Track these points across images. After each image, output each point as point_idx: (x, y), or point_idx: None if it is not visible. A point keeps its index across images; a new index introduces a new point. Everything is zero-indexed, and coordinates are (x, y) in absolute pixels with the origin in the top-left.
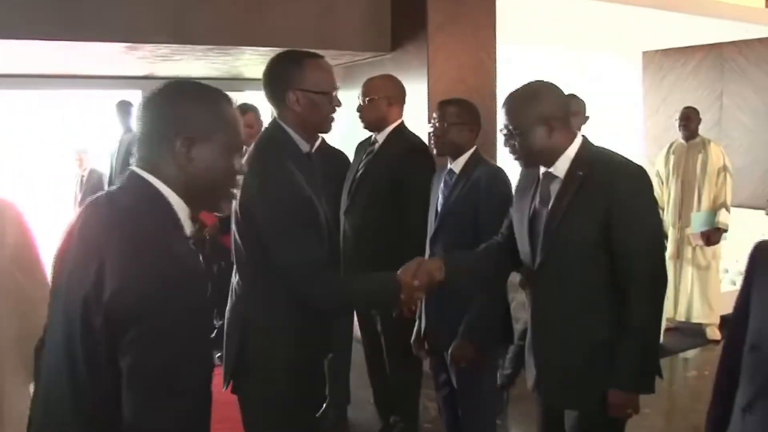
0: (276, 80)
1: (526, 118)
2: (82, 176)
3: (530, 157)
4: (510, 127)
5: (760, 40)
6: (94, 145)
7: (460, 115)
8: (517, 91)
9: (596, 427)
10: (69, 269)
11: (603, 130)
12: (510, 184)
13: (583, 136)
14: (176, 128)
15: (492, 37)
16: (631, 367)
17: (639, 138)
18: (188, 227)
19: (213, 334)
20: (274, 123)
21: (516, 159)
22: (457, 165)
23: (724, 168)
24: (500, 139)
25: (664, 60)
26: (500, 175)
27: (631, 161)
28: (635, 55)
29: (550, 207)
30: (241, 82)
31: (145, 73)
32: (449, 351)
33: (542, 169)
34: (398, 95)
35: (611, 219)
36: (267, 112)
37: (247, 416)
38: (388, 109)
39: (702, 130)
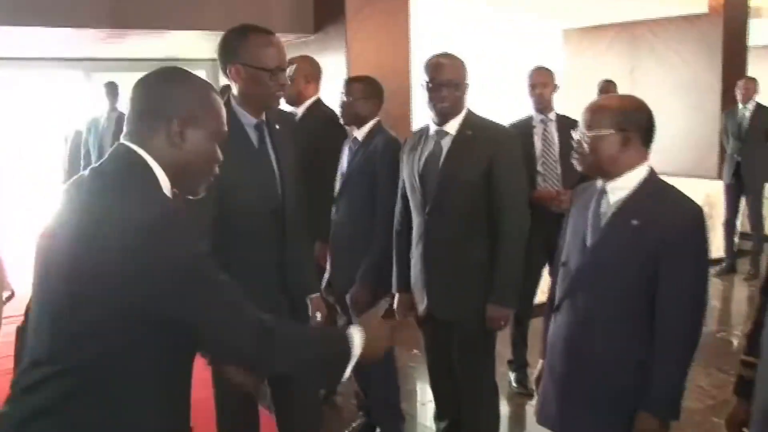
0: (222, 53)
1: (462, 74)
2: None
3: (452, 106)
4: (450, 78)
5: (667, 18)
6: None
7: (364, 91)
8: (452, 54)
9: (476, 336)
10: (55, 243)
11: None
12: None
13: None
14: (173, 109)
15: (406, 19)
16: (503, 283)
17: (561, 110)
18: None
19: None
20: (228, 95)
21: (448, 108)
22: (360, 133)
23: None
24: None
25: (582, 37)
26: (394, 143)
27: (505, 126)
28: (556, 32)
29: (443, 158)
30: (178, 62)
31: (86, 55)
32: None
33: (433, 128)
34: (314, 73)
35: (492, 166)
36: None
37: None
38: (306, 87)
39: None
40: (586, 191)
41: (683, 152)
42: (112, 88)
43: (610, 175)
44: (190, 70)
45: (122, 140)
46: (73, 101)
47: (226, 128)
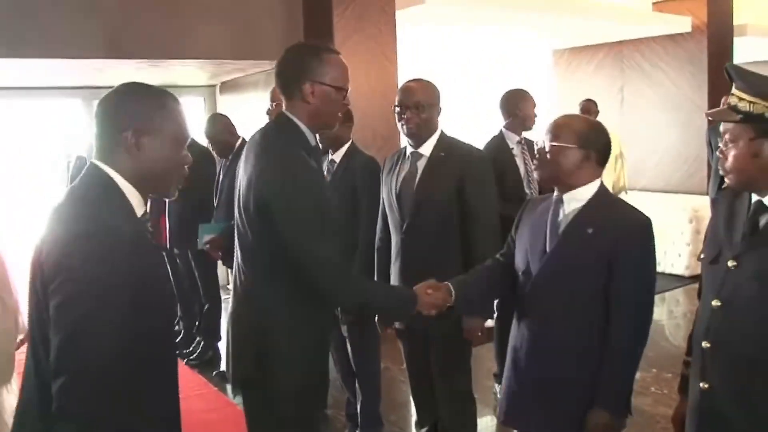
0: (291, 70)
1: (430, 97)
2: None
3: (422, 128)
4: (420, 101)
5: (653, 38)
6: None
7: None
8: (423, 79)
9: (450, 347)
10: (37, 264)
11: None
12: (380, 170)
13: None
14: (127, 121)
15: (393, 46)
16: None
17: None
18: (140, 210)
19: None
20: (281, 115)
21: (414, 129)
22: (337, 155)
23: (621, 155)
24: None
25: (572, 58)
26: (373, 163)
27: (476, 147)
28: (546, 52)
29: (419, 178)
30: (176, 89)
31: (85, 84)
32: None
33: (409, 150)
34: None
35: (463, 186)
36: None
37: (256, 418)
38: None
39: (606, 121)
40: (540, 203)
41: (672, 169)
42: None
43: (566, 186)
44: (147, 84)
45: (93, 160)
46: (74, 128)
47: (186, 131)
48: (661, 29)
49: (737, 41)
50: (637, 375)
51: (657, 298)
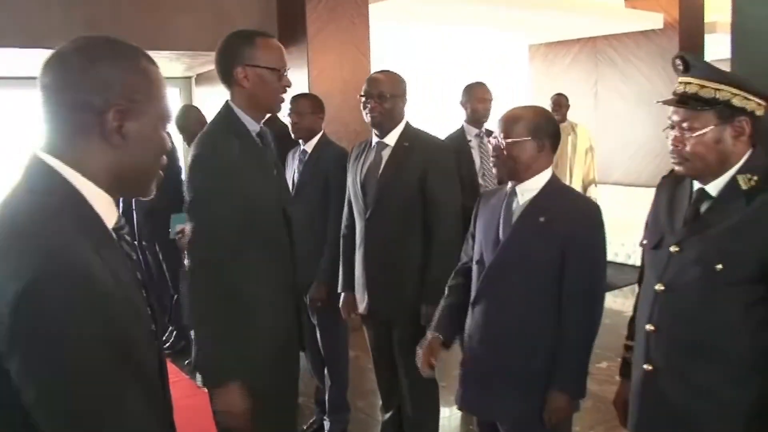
0: (225, 57)
1: (394, 88)
2: None
3: (386, 117)
4: (384, 92)
5: (626, 34)
6: None
7: (312, 106)
8: (389, 70)
9: (412, 333)
10: None
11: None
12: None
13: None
14: (104, 97)
15: (366, 39)
16: (433, 285)
17: None
18: (113, 218)
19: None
20: (224, 104)
21: (377, 117)
22: (309, 146)
23: (591, 148)
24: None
25: (547, 52)
26: (345, 153)
27: (440, 138)
28: (522, 47)
29: (383, 167)
30: None
31: None
32: (308, 294)
33: (375, 140)
34: None
35: (426, 176)
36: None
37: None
38: None
39: (581, 115)
40: (493, 195)
41: (643, 163)
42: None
43: (523, 178)
44: (116, 39)
45: (39, 152)
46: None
47: (171, 108)
48: (633, 25)
49: (708, 38)
50: (603, 364)
51: (627, 289)
